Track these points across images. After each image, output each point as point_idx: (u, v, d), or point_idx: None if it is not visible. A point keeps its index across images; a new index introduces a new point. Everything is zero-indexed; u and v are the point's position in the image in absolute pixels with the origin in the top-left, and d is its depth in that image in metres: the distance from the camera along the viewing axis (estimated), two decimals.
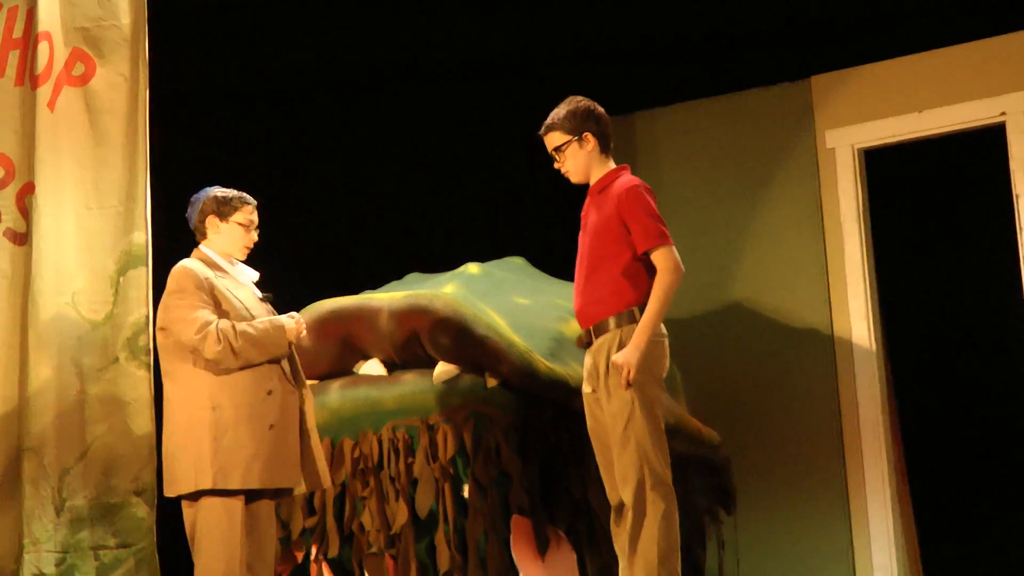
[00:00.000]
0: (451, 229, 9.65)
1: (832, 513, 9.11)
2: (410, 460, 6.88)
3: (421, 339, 6.89)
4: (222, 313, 6.17)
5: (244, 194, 6.47)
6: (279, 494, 6.32)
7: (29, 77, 7.48)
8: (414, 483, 6.89)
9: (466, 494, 6.87)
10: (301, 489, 6.28)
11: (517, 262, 8.27)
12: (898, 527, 9.05)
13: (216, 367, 6.11)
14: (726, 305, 9.52)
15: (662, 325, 6.01)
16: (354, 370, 7.11)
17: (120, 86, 7.47)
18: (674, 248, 6.00)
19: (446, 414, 6.85)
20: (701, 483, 8.19)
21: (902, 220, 9.40)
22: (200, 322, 6.08)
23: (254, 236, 6.44)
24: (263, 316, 6.27)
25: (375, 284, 7.85)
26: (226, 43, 8.82)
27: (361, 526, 6.96)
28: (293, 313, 6.34)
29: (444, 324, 6.82)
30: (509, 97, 9.67)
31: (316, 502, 7.03)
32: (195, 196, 6.48)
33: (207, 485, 6.03)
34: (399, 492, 6.89)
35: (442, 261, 8.17)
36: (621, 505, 6.02)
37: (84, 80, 7.48)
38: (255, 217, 6.45)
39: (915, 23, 9.03)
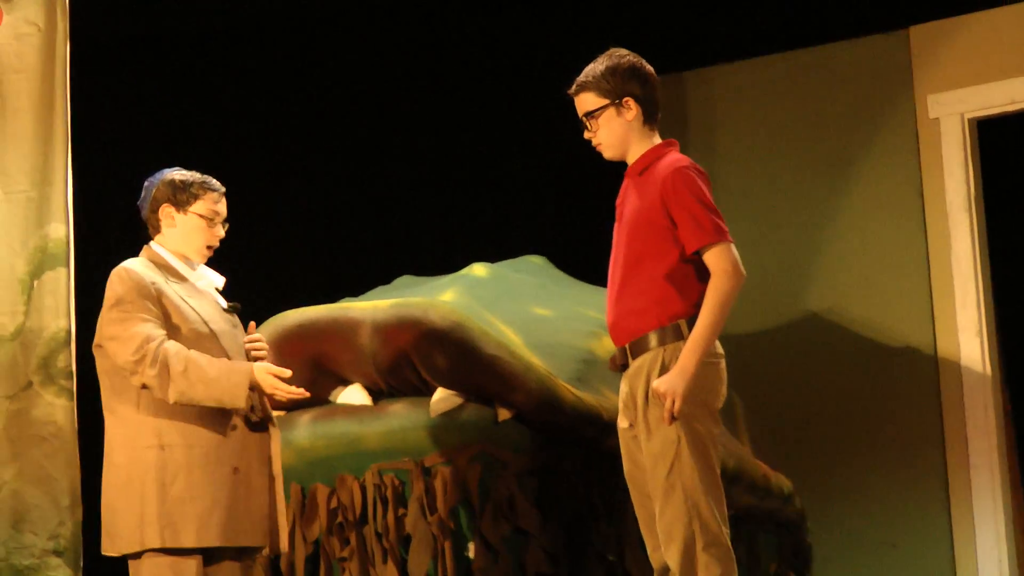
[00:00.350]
0: (451, 221, 9.66)
1: None
2: (401, 512, 6.90)
3: (413, 360, 6.90)
4: (171, 328, 6.11)
5: (209, 179, 6.35)
6: (244, 553, 6.26)
7: None
8: (406, 541, 6.90)
9: (471, 555, 6.89)
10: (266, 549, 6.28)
11: (535, 262, 8.30)
12: None
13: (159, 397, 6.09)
14: (800, 317, 9.55)
15: (718, 343, 5.95)
16: (329, 399, 7.14)
17: (31, 38, 7.45)
18: (733, 246, 5.91)
19: (446, 455, 6.87)
20: (768, 542, 8.21)
21: None
22: (139, 340, 6.01)
23: (219, 232, 6.33)
24: (225, 332, 6.21)
25: (356, 291, 7.87)
26: None
27: None
28: (266, 363, 6.18)
29: (442, 341, 6.82)
30: (531, 45, 9.67)
31: (283, 565, 7.06)
32: (149, 179, 6.36)
33: (154, 544, 5.99)
34: (387, 552, 6.91)
35: (440, 261, 8.20)
36: (665, 570, 6.04)
37: None
38: (221, 208, 6.34)
39: None
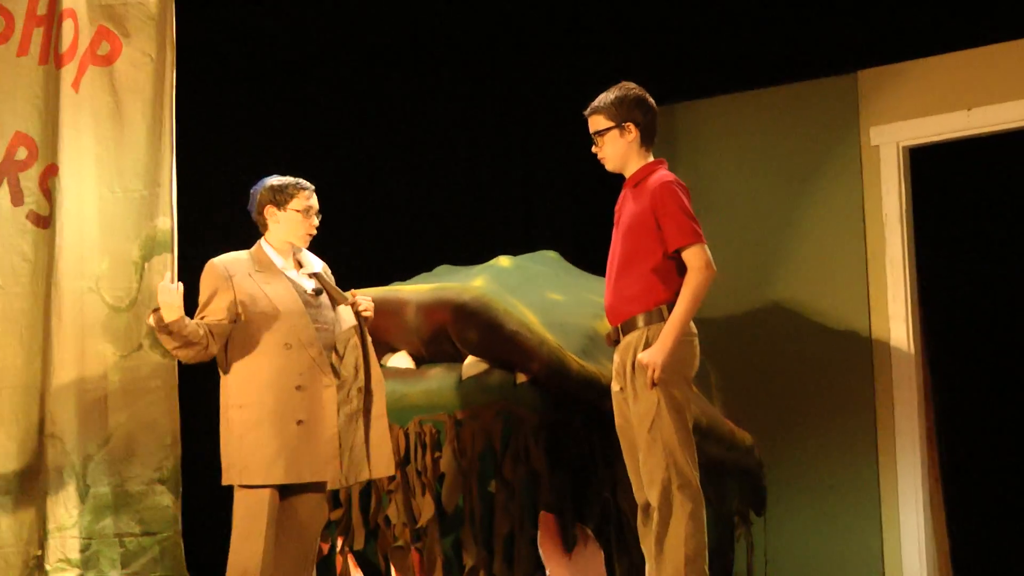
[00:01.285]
0: (483, 221, 9.62)
1: (863, 517, 9.12)
2: (437, 455, 6.89)
3: (449, 333, 6.90)
4: (243, 305, 6.23)
5: (300, 180, 6.48)
6: (322, 487, 6.36)
7: (53, 56, 7.44)
8: (441, 478, 6.89)
9: (493, 491, 6.89)
10: (353, 478, 6.36)
11: (550, 256, 8.24)
12: (930, 531, 9.06)
13: (240, 365, 6.25)
14: (763, 304, 9.51)
15: (692, 324, 6.03)
16: (381, 363, 7.05)
17: (146, 66, 7.46)
18: (706, 247, 5.99)
19: (474, 411, 6.87)
20: (732, 485, 8.20)
21: (947, 221, 9.34)
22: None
23: (314, 222, 6.45)
24: (294, 312, 6.27)
25: (404, 276, 7.84)
26: (256, 22, 8.80)
27: (387, 520, 6.98)
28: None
29: (472, 318, 6.82)
30: (549, 85, 9.64)
31: (342, 495, 7.04)
32: (253, 188, 6.48)
33: (234, 481, 6.19)
34: (425, 487, 6.90)
35: (473, 253, 8.17)
36: (648, 505, 6.05)
37: (109, 60, 7.47)
38: (313, 202, 6.46)
39: (964, 19, 8.96)
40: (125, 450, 7.24)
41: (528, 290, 7.42)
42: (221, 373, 6.31)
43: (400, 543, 6.94)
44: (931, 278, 9.28)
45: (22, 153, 7.45)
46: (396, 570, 6.95)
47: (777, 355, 9.42)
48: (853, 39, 9.32)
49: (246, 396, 6.20)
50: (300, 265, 6.49)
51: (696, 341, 6.09)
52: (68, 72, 7.44)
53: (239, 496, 6.20)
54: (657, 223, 6.02)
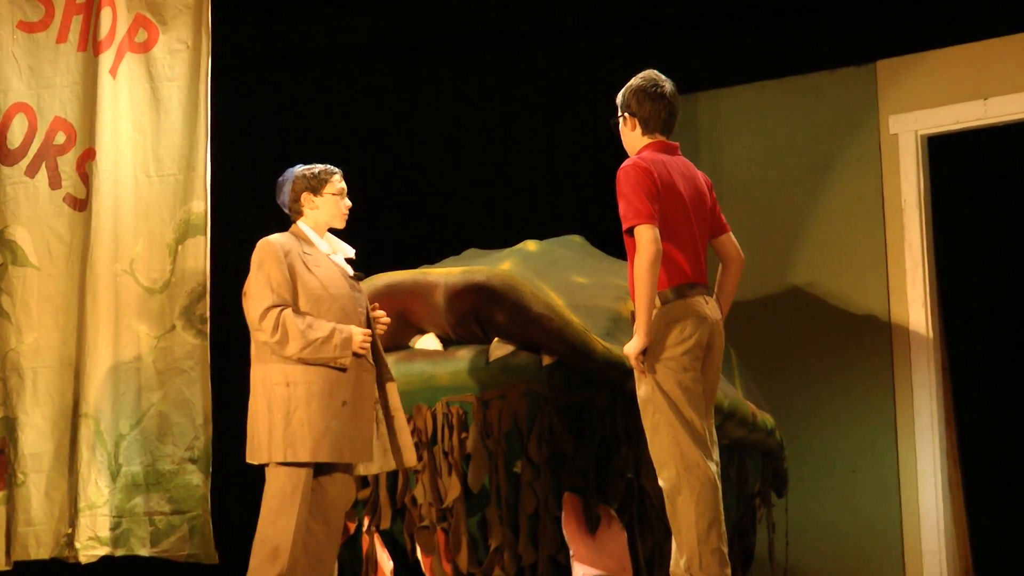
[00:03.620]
0: (510, 205, 9.59)
1: (883, 499, 9.01)
2: (464, 435, 6.81)
3: (477, 315, 6.82)
4: (296, 288, 6.13)
5: (328, 165, 6.45)
6: (351, 467, 6.32)
7: (92, 43, 7.49)
8: (467, 458, 6.82)
9: (519, 471, 6.79)
10: (376, 467, 6.34)
11: (576, 240, 8.14)
12: (948, 513, 8.96)
13: None
14: (784, 290, 9.42)
15: (684, 305, 5.85)
16: (409, 344, 7.04)
17: (182, 54, 7.49)
18: (651, 227, 5.75)
19: (501, 391, 6.77)
20: (754, 467, 8.09)
21: (964, 209, 9.25)
22: (267, 304, 6.08)
23: (348, 202, 6.44)
24: (344, 295, 6.22)
25: (432, 259, 7.79)
26: (287, 10, 8.78)
27: (413, 499, 6.90)
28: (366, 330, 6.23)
29: (500, 301, 6.73)
30: (574, 72, 9.62)
31: (369, 476, 6.95)
32: (281, 178, 6.42)
33: (279, 458, 6.07)
34: (452, 467, 6.82)
35: (500, 237, 8.09)
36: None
37: (146, 47, 7.50)
38: (344, 184, 6.44)
39: (982, 9, 8.92)
40: (157, 430, 7.29)
41: (554, 273, 7.31)
42: (259, 353, 6.17)
43: (426, 523, 6.87)
44: (949, 263, 9.20)
45: (60, 138, 7.50)
46: (422, 549, 6.89)
47: (798, 339, 9.34)
48: (872, 29, 9.28)
49: (294, 375, 6.09)
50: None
51: (676, 326, 5.86)
52: (106, 59, 7.48)
53: (276, 473, 6.10)
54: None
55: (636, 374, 5.88)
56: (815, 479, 9.08)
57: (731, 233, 6.18)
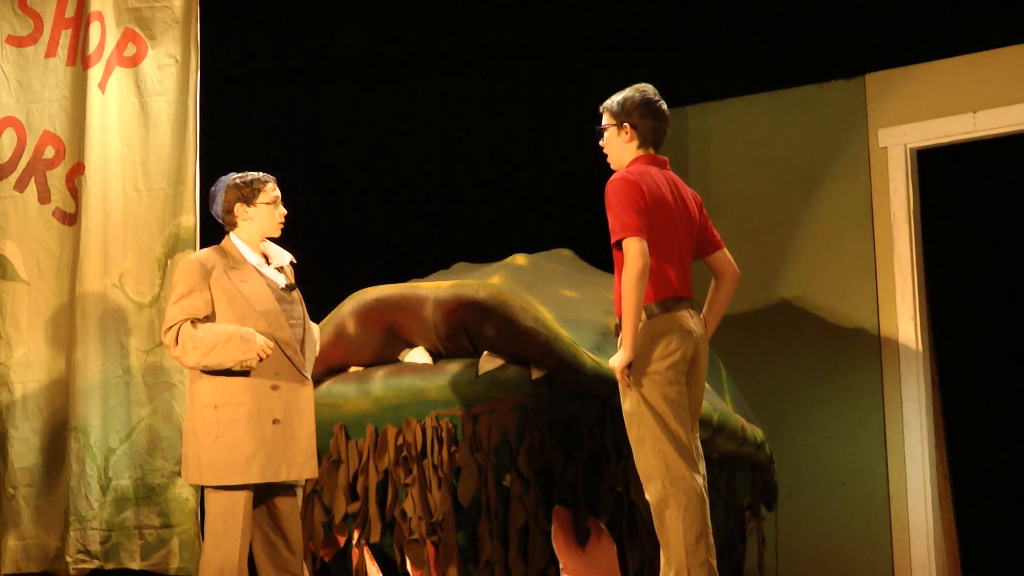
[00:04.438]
0: (500, 219, 9.60)
1: (873, 513, 9.00)
2: (453, 449, 6.79)
3: (466, 329, 6.80)
4: (221, 305, 6.04)
5: (261, 173, 6.28)
6: (293, 486, 6.25)
7: (81, 57, 7.49)
8: (456, 472, 6.79)
9: (508, 484, 6.77)
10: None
11: (565, 254, 8.17)
12: (938, 526, 8.94)
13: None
14: (773, 302, 9.41)
15: (670, 319, 5.85)
16: (399, 358, 7.02)
17: (170, 68, 7.48)
18: (639, 239, 5.76)
19: (490, 405, 6.75)
20: (744, 480, 8.08)
21: (953, 222, 9.26)
22: (169, 322, 6.03)
23: (283, 210, 6.27)
24: (271, 310, 6.09)
25: (422, 273, 7.79)
26: (275, 26, 8.80)
27: (403, 513, 6.87)
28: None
29: (489, 315, 6.71)
30: (563, 86, 9.63)
31: (359, 488, 6.96)
32: (214, 188, 6.30)
33: (210, 482, 6.02)
34: (441, 480, 6.80)
35: (490, 251, 8.09)
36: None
37: (135, 61, 7.50)
38: (278, 192, 6.27)
39: (971, 23, 8.95)
40: (147, 444, 7.29)
41: (543, 287, 7.34)
42: (194, 373, 6.09)
43: (416, 536, 6.84)
44: (938, 276, 9.20)
45: (49, 152, 7.51)
46: (411, 563, 6.86)
47: (787, 352, 9.33)
48: (861, 43, 9.31)
49: (222, 396, 6.01)
50: (267, 259, 6.30)
51: (662, 340, 5.85)
52: (95, 73, 7.48)
53: (215, 496, 6.04)
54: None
55: (621, 387, 5.86)
56: (805, 492, 9.07)
57: (726, 249, 6.19)
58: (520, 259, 7.69)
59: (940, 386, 9.17)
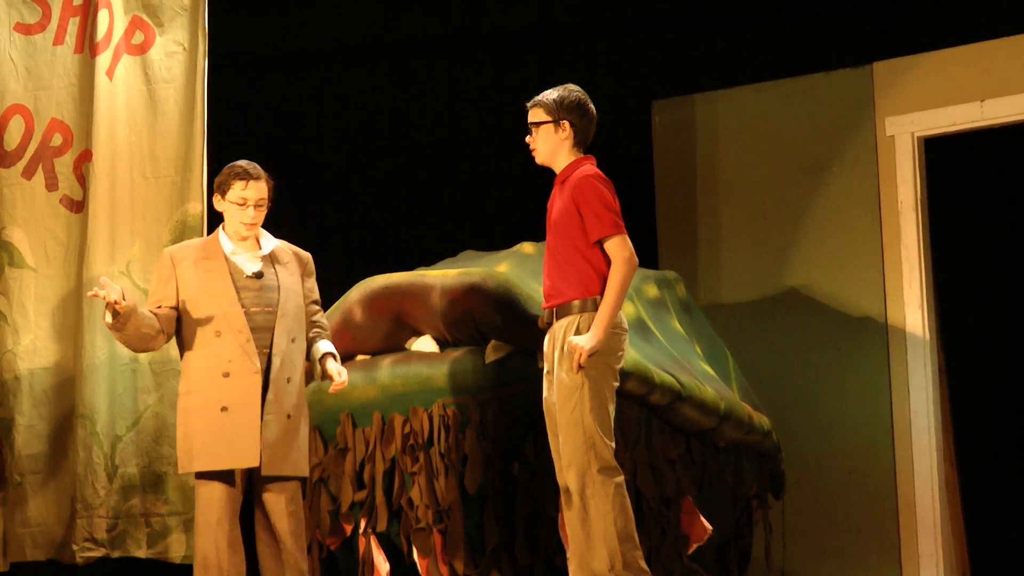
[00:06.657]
0: (507, 207, 9.57)
1: (879, 501, 8.98)
2: (460, 437, 6.79)
3: (473, 317, 6.80)
4: (183, 295, 6.08)
5: (242, 168, 6.17)
6: (287, 480, 6.14)
7: (88, 45, 7.48)
8: (463, 460, 6.79)
9: (515, 472, 6.77)
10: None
11: None
12: (945, 517, 8.93)
13: (186, 354, 6.10)
14: (780, 290, 9.39)
15: (622, 317, 6.00)
16: (406, 346, 7.01)
17: (178, 55, 7.46)
18: (627, 238, 5.97)
19: (497, 393, 6.76)
20: (750, 469, 8.06)
21: (961, 210, 9.25)
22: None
23: (250, 213, 6.12)
24: (225, 297, 6.05)
25: (429, 261, 7.76)
26: (283, 12, 8.77)
27: (410, 501, 6.86)
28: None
29: (496, 303, 6.72)
30: (570, 73, 9.59)
31: (366, 476, 6.95)
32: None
33: (183, 470, 6.12)
34: (448, 468, 6.80)
35: (497, 239, 8.06)
36: (567, 489, 5.99)
37: (143, 49, 7.47)
38: (248, 194, 6.11)
39: (979, 11, 8.92)
40: (154, 431, 7.25)
41: None
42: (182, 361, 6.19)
43: (423, 525, 6.84)
44: (945, 265, 9.19)
45: (57, 140, 7.50)
46: (418, 551, 6.86)
47: (794, 340, 9.32)
48: (869, 31, 9.28)
49: (186, 383, 6.10)
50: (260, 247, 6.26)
51: (625, 336, 6.04)
52: (103, 61, 7.46)
53: (196, 485, 6.10)
54: (580, 216, 5.99)
55: (571, 364, 5.87)
56: (812, 481, 9.05)
57: None
58: (527, 247, 7.67)
59: (947, 374, 9.15)
